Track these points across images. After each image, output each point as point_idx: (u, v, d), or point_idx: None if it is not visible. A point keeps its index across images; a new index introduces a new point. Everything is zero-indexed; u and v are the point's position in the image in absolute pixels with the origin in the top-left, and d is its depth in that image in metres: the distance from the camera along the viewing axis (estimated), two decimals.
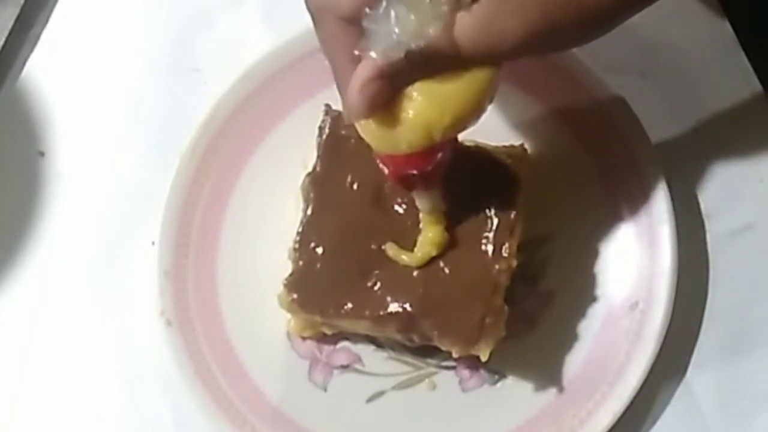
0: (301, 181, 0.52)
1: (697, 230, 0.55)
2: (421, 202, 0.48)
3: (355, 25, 0.39)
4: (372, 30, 0.38)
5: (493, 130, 0.53)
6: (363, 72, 0.39)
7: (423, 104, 0.40)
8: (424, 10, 0.37)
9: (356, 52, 0.39)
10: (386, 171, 0.45)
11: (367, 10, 0.38)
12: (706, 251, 0.55)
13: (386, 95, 0.40)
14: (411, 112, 0.40)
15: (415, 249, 0.49)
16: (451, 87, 0.40)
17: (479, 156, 0.50)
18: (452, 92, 0.40)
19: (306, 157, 0.52)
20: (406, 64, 0.38)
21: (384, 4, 0.38)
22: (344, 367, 0.53)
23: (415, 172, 0.44)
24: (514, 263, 0.49)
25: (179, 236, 0.53)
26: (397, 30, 0.37)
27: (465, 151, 0.50)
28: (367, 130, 0.42)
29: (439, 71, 0.40)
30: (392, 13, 0.37)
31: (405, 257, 0.49)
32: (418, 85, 0.40)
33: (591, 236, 0.54)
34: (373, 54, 0.38)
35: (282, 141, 0.55)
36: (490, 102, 0.42)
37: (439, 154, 0.44)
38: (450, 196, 0.49)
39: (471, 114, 0.41)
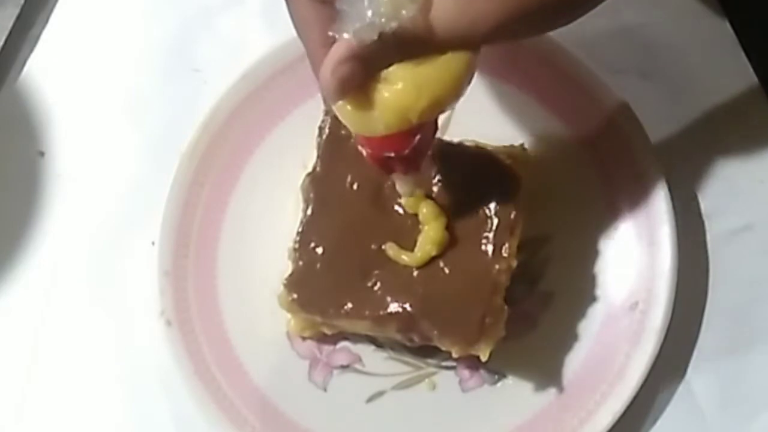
0: (301, 181, 0.52)
1: (697, 230, 0.55)
2: (401, 186, 0.47)
3: (327, 5, 0.38)
4: (345, 11, 0.37)
5: (493, 130, 0.53)
6: (336, 54, 0.39)
7: (399, 87, 0.40)
8: None
9: (330, 34, 0.38)
10: (364, 153, 0.45)
11: None
12: (706, 251, 0.55)
13: (360, 77, 0.39)
14: (387, 94, 0.40)
15: (415, 249, 0.49)
16: (427, 70, 0.40)
17: (479, 156, 0.50)
18: (429, 75, 0.40)
19: (306, 157, 0.52)
20: (380, 47, 0.38)
21: None
22: (344, 367, 0.53)
23: (392, 154, 0.44)
24: (514, 263, 0.49)
25: (179, 236, 0.53)
26: (370, 12, 0.37)
27: (465, 151, 0.50)
28: (344, 112, 0.41)
29: (416, 54, 0.39)
30: None
31: (405, 257, 0.49)
32: (393, 67, 0.40)
33: (591, 236, 0.54)
34: (346, 35, 0.38)
35: (282, 141, 0.55)
36: (469, 84, 0.41)
37: (417, 137, 0.43)
38: (450, 196, 0.49)
39: (448, 97, 0.41)
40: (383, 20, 0.37)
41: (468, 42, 0.40)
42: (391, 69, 0.40)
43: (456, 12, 0.38)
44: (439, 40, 0.39)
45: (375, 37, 0.37)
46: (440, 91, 0.40)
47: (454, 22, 0.38)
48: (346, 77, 0.39)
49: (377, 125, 0.41)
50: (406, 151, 0.43)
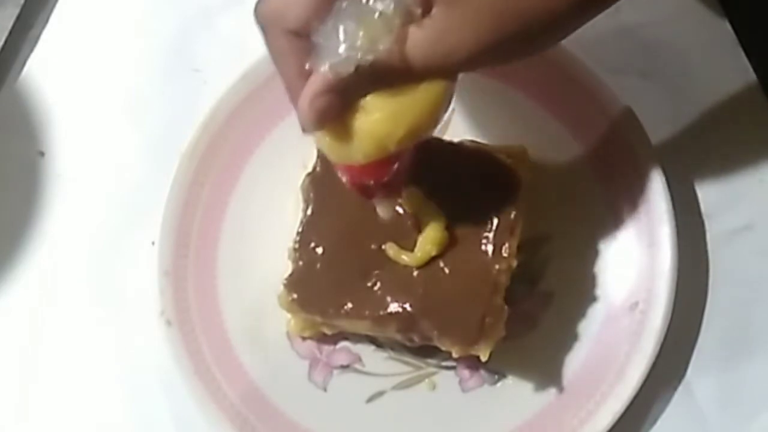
0: (301, 181, 0.52)
1: (697, 230, 0.55)
2: (381, 210, 0.48)
3: (303, 38, 0.38)
4: (321, 45, 0.38)
5: (493, 130, 0.53)
6: (313, 86, 0.39)
7: (376, 116, 0.40)
8: (374, 24, 0.37)
9: (306, 66, 0.39)
10: (344, 179, 0.45)
11: (316, 24, 0.38)
12: (706, 251, 0.55)
13: (337, 108, 0.40)
14: (364, 124, 0.40)
15: (415, 249, 0.49)
16: (404, 99, 0.40)
17: (479, 156, 0.50)
18: (405, 104, 0.40)
19: (306, 157, 0.52)
20: (357, 78, 0.38)
21: (333, 18, 0.37)
22: (344, 367, 0.53)
23: (371, 182, 0.45)
24: (514, 263, 0.49)
25: (179, 236, 0.53)
26: (345, 45, 0.37)
27: (465, 151, 0.50)
28: (322, 142, 0.42)
29: (392, 84, 0.40)
30: (341, 27, 0.37)
31: (405, 257, 0.49)
32: (370, 96, 0.40)
33: (591, 236, 0.54)
34: (322, 69, 0.38)
35: (282, 141, 0.55)
36: (446, 111, 0.42)
37: (395, 165, 0.44)
38: (450, 196, 0.49)
39: (425, 125, 0.41)
40: (359, 54, 0.37)
41: (444, 72, 0.40)
42: (368, 98, 0.40)
43: (431, 44, 0.39)
44: (415, 71, 0.39)
45: (351, 70, 0.38)
46: (417, 120, 0.41)
47: (429, 53, 0.39)
48: (323, 109, 0.39)
49: (356, 154, 0.41)
50: (386, 179, 0.44)
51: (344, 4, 0.37)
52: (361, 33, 0.37)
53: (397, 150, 0.41)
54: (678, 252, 0.52)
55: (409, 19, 0.38)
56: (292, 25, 0.38)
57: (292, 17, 0.38)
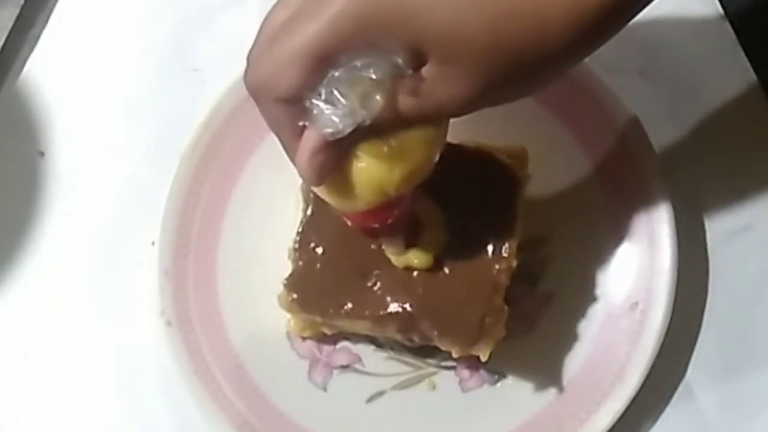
0: (301, 181, 0.52)
1: (697, 230, 0.55)
2: (388, 247, 0.48)
3: (295, 103, 0.38)
4: (315, 113, 0.38)
5: (493, 130, 0.53)
6: (308, 144, 0.40)
7: (372, 164, 0.41)
8: (366, 87, 0.37)
9: (300, 123, 0.39)
10: (350, 224, 0.47)
11: (307, 92, 0.38)
12: (706, 251, 0.55)
13: (334, 161, 0.40)
14: (362, 172, 0.41)
15: (416, 249, 0.49)
16: (398, 145, 0.40)
17: (479, 156, 0.50)
18: (400, 150, 0.40)
19: None
20: (352, 133, 0.38)
21: (325, 86, 0.37)
22: (344, 367, 0.53)
23: (376, 225, 0.46)
24: (514, 263, 0.49)
25: (179, 236, 0.53)
26: (341, 113, 0.37)
27: (465, 151, 0.50)
28: (325, 193, 0.43)
29: (386, 133, 0.40)
30: (335, 94, 0.37)
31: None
32: (365, 145, 0.40)
33: (591, 236, 0.54)
34: (317, 131, 0.39)
35: None
36: (441, 150, 0.42)
37: (398, 208, 0.45)
38: (450, 196, 0.49)
39: (421, 168, 0.42)
40: (354, 117, 0.38)
41: (436, 120, 0.41)
42: (361, 147, 0.40)
43: (423, 101, 0.39)
44: (408, 122, 0.40)
45: (347, 132, 0.38)
46: (412, 164, 0.41)
47: (421, 108, 0.39)
48: (322, 164, 0.40)
49: (358, 202, 0.42)
50: (390, 221, 0.45)
51: (336, 73, 0.37)
52: (355, 99, 0.37)
53: (396, 194, 0.42)
54: (678, 252, 0.52)
55: (398, 77, 0.38)
56: (284, 94, 0.38)
57: (283, 87, 0.38)
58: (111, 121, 0.59)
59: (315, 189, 0.43)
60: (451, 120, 0.54)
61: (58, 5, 0.61)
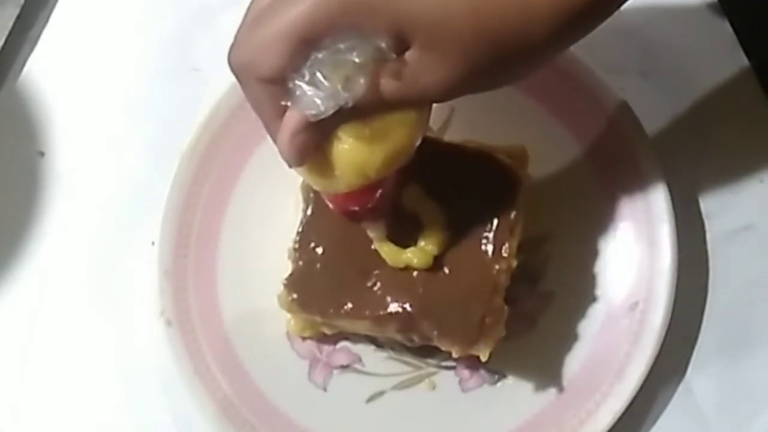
0: (301, 181, 0.52)
1: (697, 230, 0.55)
2: (371, 232, 0.48)
3: (278, 83, 0.39)
4: (298, 93, 0.38)
5: (493, 130, 0.53)
6: (289, 124, 0.40)
7: (354, 146, 0.41)
8: (349, 70, 0.38)
9: (282, 103, 0.39)
10: (331, 206, 0.47)
11: (290, 72, 0.38)
12: (706, 251, 0.55)
13: (315, 142, 0.41)
14: (343, 153, 0.41)
15: (416, 249, 0.49)
16: (379, 127, 0.40)
17: (479, 156, 0.50)
18: (381, 132, 0.41)
19: None
20: (333, 115, 0.39)
21: (308, 67, 0.38)
22: (344, 367, 0.53)
23: (357, 208, 0.46)
24: (514, 263, 0.49)
25: (179, 236, 0.53)
26: (324, 94, 0.38)
27: (465, 151, 0.50)
28: (306, 174, 0.43)
29: (368, 116, 0.40)
30: (318, 76, 0.38)
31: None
32: (347, 127, 0.40)
33: (591, 236, 0.54)
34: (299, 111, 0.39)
35: None
36: (422, 135, 0.42)
37: (379, 191, 0.45)
38: (450, 196, 0.49)
39: (402, 151, 0.42)
40: (337, 102, 0.38)
41: (419, 105, 0.41)
42: (343, 129, 0.41)
43: (406, 85, 0.39)
44: (390, 106, 0.40)
45: (329, 114, 0.38)
46: (394, 147, 0.41)
47: (403, 92, 0.39)
48: (303, 145, 0.40)
49: (339, 184, 0.42)
50: (371, 205, 0.46)
51: (319, 55, 0.37)
52: (336, 79, 0.38)
53: (377, 177, 0.42)
54: (678, 252, 0.52)
55: (382, 60, 0.38)
56: (266, 74, 0.39)
57: (266, 67, 0.38)
58: (111, 122, 0.59)
59: (296, 169, 0.43)
60: (452, 120, 0.54)
61: (58, 5, 0.61)
